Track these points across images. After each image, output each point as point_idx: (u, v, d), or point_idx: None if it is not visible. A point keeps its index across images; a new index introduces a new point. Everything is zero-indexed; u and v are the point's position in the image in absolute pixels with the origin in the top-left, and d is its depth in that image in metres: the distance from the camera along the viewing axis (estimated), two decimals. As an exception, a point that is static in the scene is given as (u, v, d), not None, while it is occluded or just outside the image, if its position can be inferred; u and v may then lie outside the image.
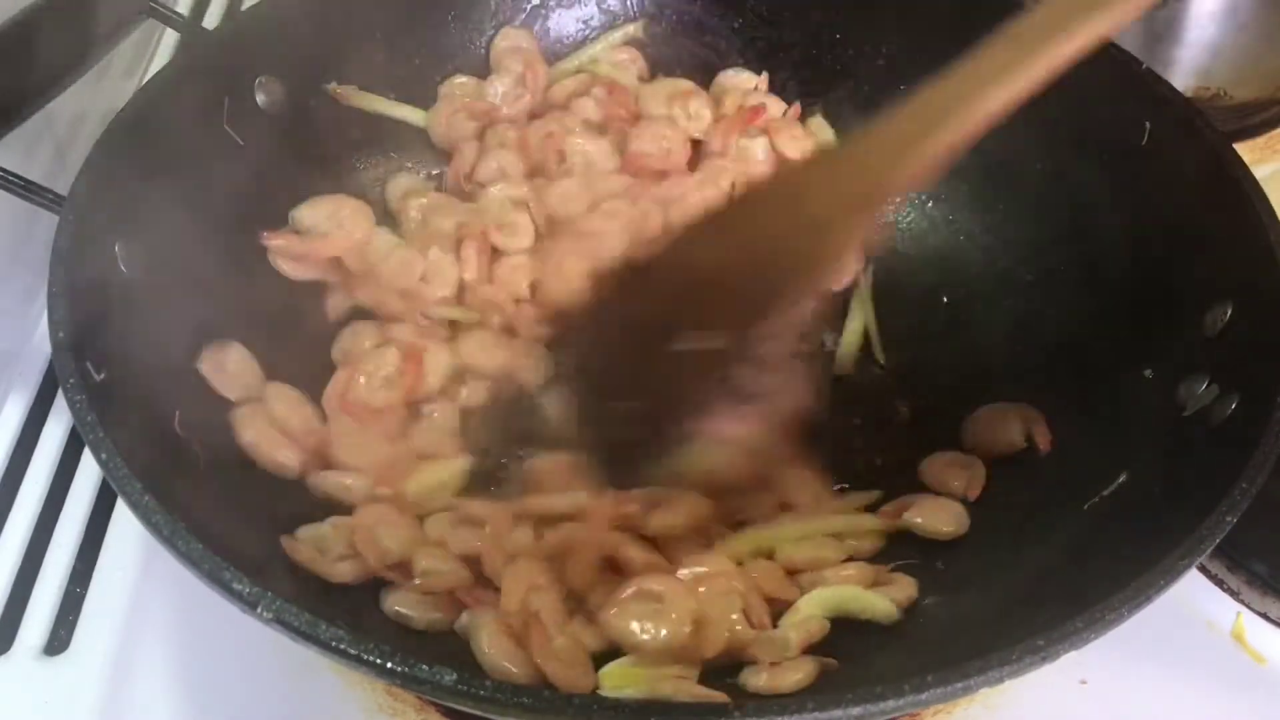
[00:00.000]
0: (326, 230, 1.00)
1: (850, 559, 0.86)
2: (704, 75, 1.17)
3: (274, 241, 0.98)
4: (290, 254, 0.99)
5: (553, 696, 0.64)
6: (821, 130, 1.14)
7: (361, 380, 0.94)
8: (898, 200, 1.14)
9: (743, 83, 1.16)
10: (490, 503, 0.89)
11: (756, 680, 0.75)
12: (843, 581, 0.83)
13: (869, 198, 0.79)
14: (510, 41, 1.13)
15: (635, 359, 0.83)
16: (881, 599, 0.81)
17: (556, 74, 1.14)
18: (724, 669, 0.77)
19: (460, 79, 1.12)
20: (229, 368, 0.90)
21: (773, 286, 0.79)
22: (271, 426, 0.89)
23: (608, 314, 0.87)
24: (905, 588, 0.84)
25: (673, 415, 0.81)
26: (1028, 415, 0.94)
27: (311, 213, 1.01)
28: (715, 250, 0.82)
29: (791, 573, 0.85)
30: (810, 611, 0.81)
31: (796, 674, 0.75)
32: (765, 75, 1.16)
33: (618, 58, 1.15)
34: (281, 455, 0.88)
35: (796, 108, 1.14)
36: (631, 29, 1.16)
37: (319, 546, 0.82)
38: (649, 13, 1.16)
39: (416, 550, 0.82)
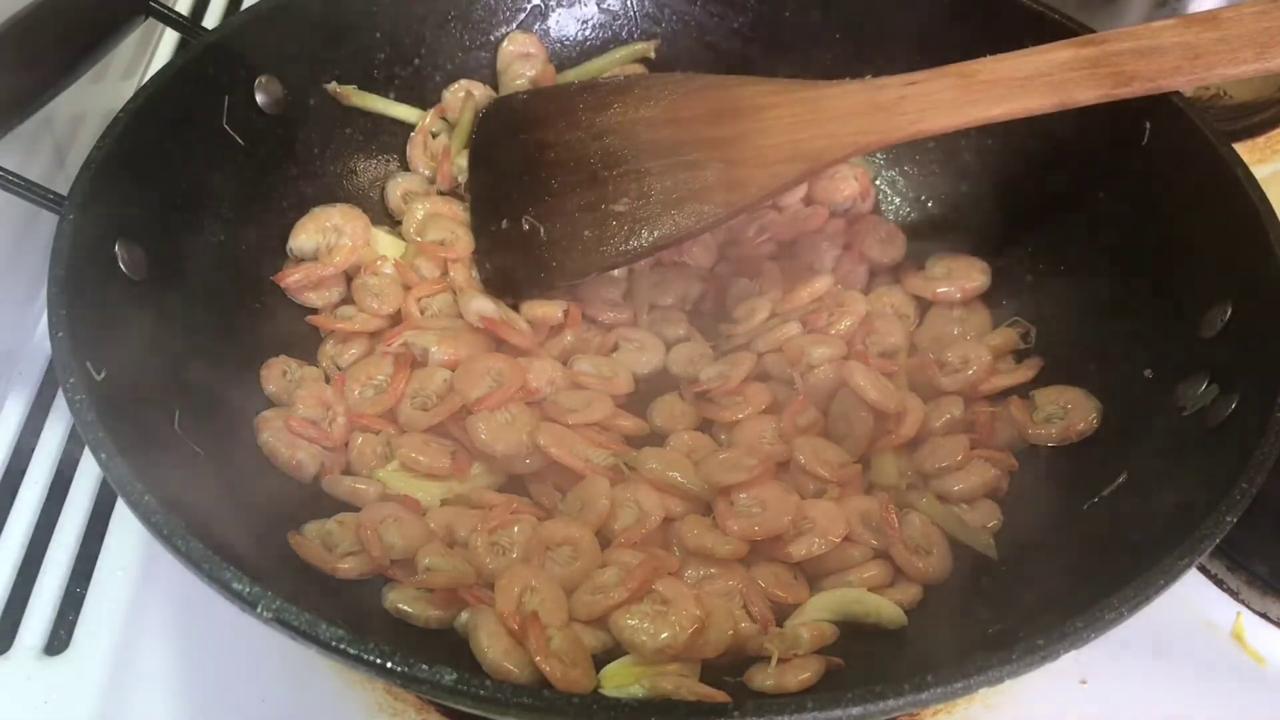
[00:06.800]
0: (329, 244, 1.00)
1: (875, 556, 0.86)
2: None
3: (288, 279, 0.98)
4: (307, 284, 0.99)
5: (553, 696, 0.64)
6: None
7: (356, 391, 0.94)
8: (897, 201, 1.15)
9: None
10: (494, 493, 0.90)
11: (763, 679, 0.75)
12: (864, 583, 0.84)
13: (815, 159, 0.90)
14: (518, 47, 1.13)
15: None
16: (889, 604, 0.81)
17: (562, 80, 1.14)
18: (727, 667, 0.77)
19: (464, 83, 1.11)
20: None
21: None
22: (289, 429, 0.89)
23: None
24: (909, 590, 0.84)
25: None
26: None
27: (305, 236, 1.00)
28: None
29: (812, 576, 0.85)
30: (816, 615, 0.81)
31: (804, 673, 0.75)
32: None
33: (626, 73, 1.15)
34: (300, 455, 0.89)
35: None
36: (641, 48, 1.14)
37: (325, 543, 0.83)
38: (649, 13, 1.16)
39: (421, 547, 0.83)
